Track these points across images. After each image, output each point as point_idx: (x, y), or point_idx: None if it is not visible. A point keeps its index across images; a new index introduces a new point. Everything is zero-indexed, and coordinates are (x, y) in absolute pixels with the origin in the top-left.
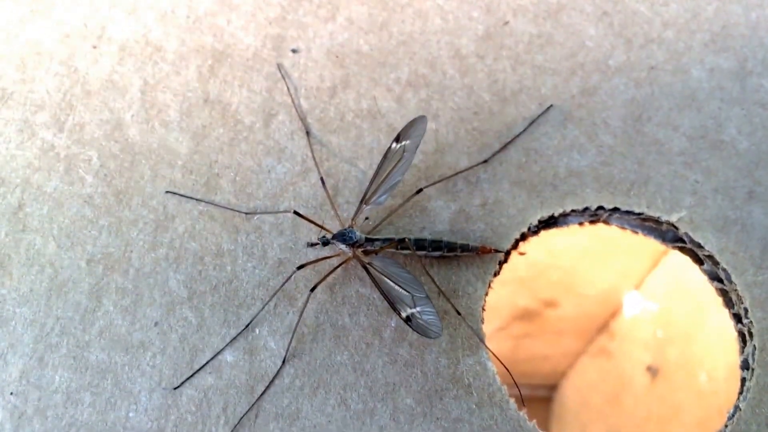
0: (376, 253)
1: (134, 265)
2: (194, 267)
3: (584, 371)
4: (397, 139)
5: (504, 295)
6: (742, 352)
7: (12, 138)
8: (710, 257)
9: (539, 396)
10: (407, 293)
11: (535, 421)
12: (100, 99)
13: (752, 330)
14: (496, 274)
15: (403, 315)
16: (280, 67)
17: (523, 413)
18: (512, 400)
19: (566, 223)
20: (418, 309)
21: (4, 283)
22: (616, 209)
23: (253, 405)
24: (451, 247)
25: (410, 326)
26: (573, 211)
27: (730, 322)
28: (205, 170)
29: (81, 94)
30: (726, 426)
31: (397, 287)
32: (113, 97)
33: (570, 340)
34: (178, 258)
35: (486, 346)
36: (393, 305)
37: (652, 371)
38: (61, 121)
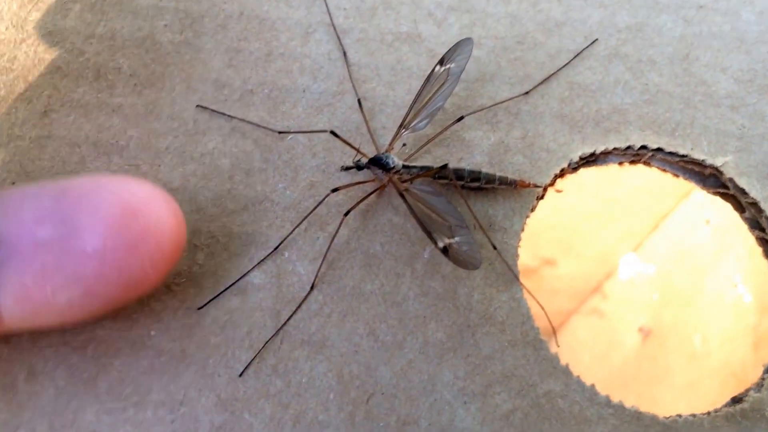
0: (412, 181)
1: (162, 179)
2: (223, 185)
3: (575, 329)
4: (441, 62)
5: None
6: None
7: (40, 41)
8: (754, 204)
9: None
10: (445, 222)
11: (568, 363)
12: (132, 5)
13: None
14: (533, 210)
15: (440, 245)
16: None
17: (556, 353)
18: (545, 339)
19: (606, 162)
20: (456, 239)
21: None
22: (659, 150)
23: (279, 330)
24: (489, 179)
25: (447, 257)
26: (615, 149)
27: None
28: (239, 85)
29: None
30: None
31: (434, 215)
32: (147, 3)
33: (564, 299)
34: (207, 174)
35: (521, 283)
36: (429, 234)
37: (644, 332)
38: (92, 27)
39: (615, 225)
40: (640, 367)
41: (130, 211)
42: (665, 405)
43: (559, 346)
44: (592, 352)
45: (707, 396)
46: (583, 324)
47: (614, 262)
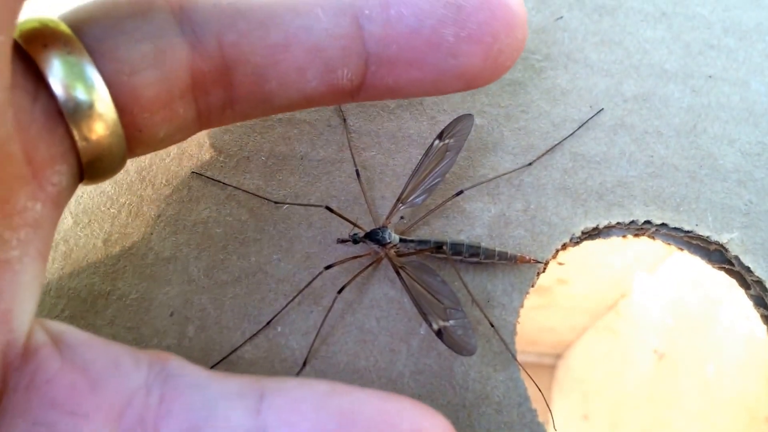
0: (410, 256)
1: (153, 248)
2: (217, 255)
3: (589, 345)
4: (440, 137)
5: None
6: None
7: None
8: (759, 283)
9: (544, 363)
10: (441, 304)
11: None
12: None
13: None
14: (533, 285)
15: (435, 327)
16: None
17: None
18: (542, 422)
19: (609, 236)
20: (451, 323)
21: None
22: (663, 225)
23: None
24: (488, 254)
25: (441, 340)
26: (618, 224)
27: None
28: (235, 152)
29: None
30: None
31: (429, 296)
32: None
33: (578, 316)
34: (200, 244)
35: (518, 362)
36: (424, 315)
37: (659, 354)
38: None
39: (630, 247)
40: (654, 388)
41: None
42: (679, 430)
43: (556, 430)
44: (606, 368)
45: (719, 427)
46: (598, 340)
47: (628, 285)
